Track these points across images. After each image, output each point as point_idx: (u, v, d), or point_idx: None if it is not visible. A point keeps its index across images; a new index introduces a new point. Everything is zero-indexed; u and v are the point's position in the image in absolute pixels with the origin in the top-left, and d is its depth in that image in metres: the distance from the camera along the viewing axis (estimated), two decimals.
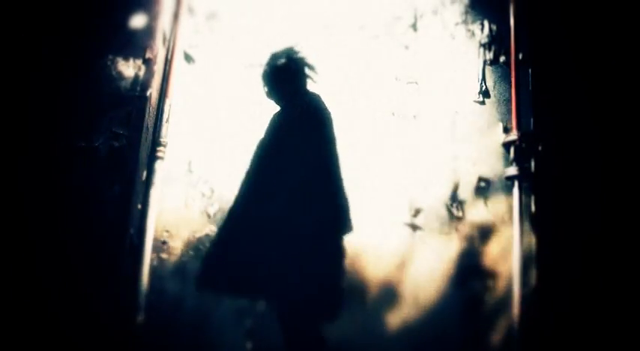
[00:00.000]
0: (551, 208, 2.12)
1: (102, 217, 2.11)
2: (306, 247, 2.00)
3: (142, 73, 2.29)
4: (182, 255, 2.34)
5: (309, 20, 2.64)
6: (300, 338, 1.99)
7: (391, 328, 2.23)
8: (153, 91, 2.31)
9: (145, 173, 2.30)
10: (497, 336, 2.18)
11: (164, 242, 2.34)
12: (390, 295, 2.27)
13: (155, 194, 2.30)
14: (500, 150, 2.38)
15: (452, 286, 2.25)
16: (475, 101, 2.47)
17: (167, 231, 2.36)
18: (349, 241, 2.18)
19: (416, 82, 2.53)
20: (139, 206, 2.26)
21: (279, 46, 2.35)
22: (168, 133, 2.38)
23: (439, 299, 2.24)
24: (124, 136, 2.20)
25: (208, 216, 2.40)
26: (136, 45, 2.32)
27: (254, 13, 2.66)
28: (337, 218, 2.10)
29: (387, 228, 2.35)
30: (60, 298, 2.02)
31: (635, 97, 2.15)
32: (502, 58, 2.50)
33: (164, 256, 2.33)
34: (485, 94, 2.48)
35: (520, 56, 2.39)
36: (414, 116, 2.48)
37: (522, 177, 2.21)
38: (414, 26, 2.61)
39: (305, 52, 2.31)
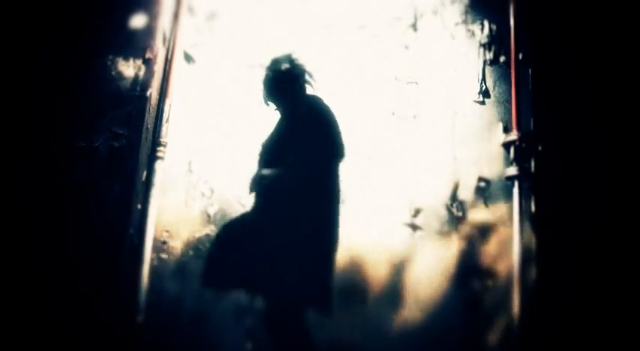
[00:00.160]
0: (551, 208, 2.12)
1: (102, 217, 2.11)
2: (300, 245, 2.01)
3: (142, 73, 2.29)
4: (182, 255, 2.34)
5: (309, 20, 2.64)
6: (291, 337, 1.99)
7: (391, 328, 2.23)
8: (153, 91, 2.31)
9: (145, 173, 2.30)
10: (497, 336, 2.18)
11: (164, 242, 2.34)
12: (390, 295, 2.27)
13: (155, 194, 2.30)
14: (500, 150, 2.38)
15: (452, 286, 2.25)
16: (475, 101, 2.47)
17: (167, 231, 2.36)
18: (349, 241, 2.18)
19: (416, 82, 2.53)
20: (139, 206, 2.26)
21: (278, 51, 2.35)
22: (168, 133, 2.38)
23: (439, 299, 2.24)
24: (124, 136, 2.20)
25: (208, 216, 2.40)
26: (136, 45, 2.32)
27: (254, 13, 2.67)
28: (331, 219, 2.11)
29: (387, 228, 2.35)
30: (60, 298, 2.02)
31: (635, 97, 2.15)
32: (502, 58, 2.50)
33: (164, 256, 2.33)
34: (485, 94, 2.48)
35: (520, 56, 2.39)
36: (414, 116, 2.48)
37: (522, 177, 2.21)
38: (414, 26, 2.61)
39: (303, 58, 2.31)
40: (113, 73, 2.28)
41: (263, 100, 2.32)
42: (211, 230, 2.38)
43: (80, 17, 2.32)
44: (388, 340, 2.22)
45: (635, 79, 2.16)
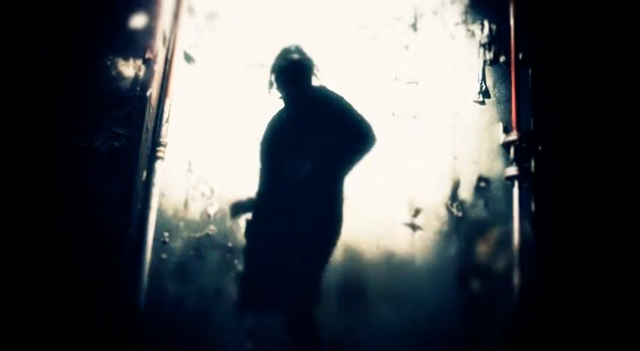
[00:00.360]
0: (551, 208, 2.12)
1: (102, 217, 2.11)
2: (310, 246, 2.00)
3: (142, 73, 2.29)
4: (182, 255, 2.34)
5: (309, 20, 2.64)
6: (308, 334, 1.99)
7: (391, 328, 2.23)
8: (153, 91, 2.31)
9: (144, 173, 2.30)
10: (497, 336, 2.18)
11: (164, 242, 2.34)
12: (390, 294, 2.27)
13: (155, 194, 2.30)
14: (500, 150, 2.38)
15: (452, 286, 2.25)
16: (475, 101, 2.47)
17: (167, 231, 2.36)
18: (349, 240, 2.18)
19: (416, 82, 2.53)
20: (139, 206, 2.26)
21: (284, 44, 2.35)
22: (168, 133, 2.38)
23: (439, 299, 2.24)
24: (124, 136, 2.20)
25: (208, 216, 2.40)
26: (136, 45, 2.32)
27: (254, 13, 2.66)
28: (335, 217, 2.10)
29: (387, 228, 2.35)
30: (60, 298, 2.02)
31: (635, 98, 2.15)
32: (502, 58, 2.50)
33: (164, 256, 2.33)
34: (485, 94, 2.48)
35: (520, 56, 2.39)
36: (414, 116, 2.48)
37: (522, 177, 2.21)
38: (414, 26, 2.61)
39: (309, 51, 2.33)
40: (113, 73, 2.28)
41: (268, 87, 2.31)
42: (211, 230, 2.38)
43: (80, 17, 2.32)
44: (388, 340, 2.22)
45: (635, 80, 2.16)
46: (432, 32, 2.59)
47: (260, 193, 2.22)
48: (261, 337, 2.24)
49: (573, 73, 2.23)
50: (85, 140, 2.18)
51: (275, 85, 2.30)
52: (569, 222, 2.08)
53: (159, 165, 2.33)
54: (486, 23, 2.56)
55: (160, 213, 2.33)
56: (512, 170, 2.23)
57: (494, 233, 2.29)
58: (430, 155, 2.43)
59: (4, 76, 2.23)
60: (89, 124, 2.20)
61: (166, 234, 2.35)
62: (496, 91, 2.48)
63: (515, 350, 2.09)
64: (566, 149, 2.15)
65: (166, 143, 2.37)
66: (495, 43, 2.53)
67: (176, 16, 2.48)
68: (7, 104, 2.21)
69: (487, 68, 2.51)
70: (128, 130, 2.21)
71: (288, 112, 2.28)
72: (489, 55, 2.52)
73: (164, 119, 2.37)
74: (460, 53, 2.55)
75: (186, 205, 2.40)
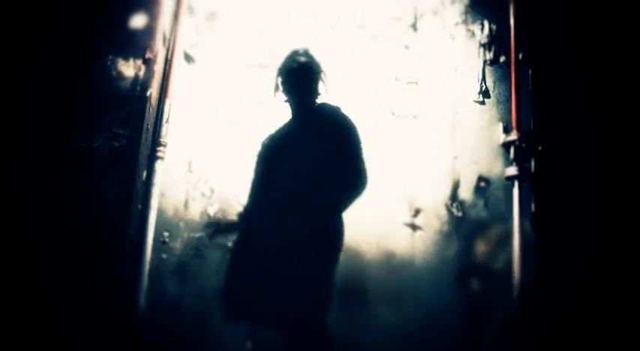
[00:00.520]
0: (551, 208, 2.12)
1: (102, 217, 2.11)
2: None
3: (142, 73, 2.29)
4: (182, 255, 2.34)
5: (310, 20, 2.64)
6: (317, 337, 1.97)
7: (391, 328, 2.23)
8: (153, 91, 2.31)
9: (144, 173, 2.30)
10: (497, 336, 2.18)
11: (164, 242, 2.34)
12: (390, 295, 2.27)
13: (155, 194, 2.30)
14: (500, 150, 2.38)
15: (452, 286, 2.25)
16: (475, 101, 2.47)
17: (167, 231, 2.36)
18: (349, 241, 2.18)
19: (416, 82, 2.53)
20: (139, 206, 2.26)
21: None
22: (168, 133, 2.38)
23: (439, 299, 2.24)
24: (124, 136, 2.20)
25: (208, 216, 2.40)
26: (136, 45, 2.32)
27: (254, 13, 2.66)
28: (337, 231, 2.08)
29: (387, 228, 2.35)
30: (60, 298, 2.02)
31: (635, 98, 2.15)
32: (502, 58, 2.50)
33: (164, 256, 2.33)
34: (485, 94, 2.48)
35: (520, 56, 2.39)
36: (414, 116, 2.48)
37: (522, 177, 2.21)
38: (414, 26, 2.61)
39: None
40: (113, 73, 2.28)
41: (274, 90, 2.25)
42: (211, 230, 2.37)
43: (80, 17, 2.32)
44: (388, 340, 2.21)
45: (635, 80, 2.16)
46: (432, 32, 2.59)
47: (253, 206, 2.18)
48: (261, 337, 2.24)
49: (573, 73, 2.23)
50: (85, 140, 2.18)
51: (281, 89, 2.24)
52: (569, 222, 2.08)
53: (159, 165, 2.33)
54: (486, 23, 2.56)
55: (160, 213, 2.33)
56: (512, 170, 2.24)
57: (494, 233, 2.29)
58: (430, 155, 2.42)
59: (5, 76, 2.23)
60: (89, 124, 2.20)
61: (166, 234, 2.35)
62: (496, 91, 2.48)
63: (515, 350, 2.09)
64: (566, 149, 2.16)
65: (166, 143, 2.37)
66: (495, 43, 2.53)
67: (176, 16, 2.48)
68: (7, 104, 2.21)
69: (487, 68, 2.51)
70: (128, 130, 2.21)
71: (294, 122, 2.23)
72: (489, 55, 2.52)
73: (164, 119, 2.37)
74: (460, 53, 2.55)
75: (186, 205, 2.40)
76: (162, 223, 2.34)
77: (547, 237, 2.10)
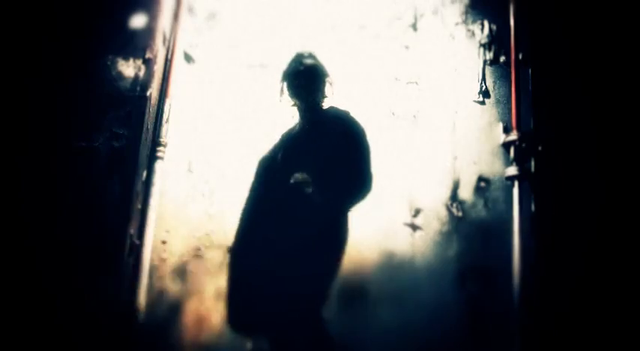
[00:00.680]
0: (551, 208, 2.12)
1: (102, 217, 2.11)
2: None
3: (142, 73, 2.29)
4: (182, 255, 2.34)
5: (309, 20, 2.64)
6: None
7: (391, 329, 2.23)
8: (153, 91, 2.31)
9: (145, 173, 2.30)
10: (497, 336, 2.18)
11: (164, 242, 2.34)
12: (389, 295, 2.27)
13: (155, 194, 2.30)
14: (500, 150, 2.38)
15: (452, 286, 2.25)
16: (475, 101, 2.47)
17: (167, 231, 2.36)
18: (349, 241, 2.18)
19: (416, 82, 2.53)
20: (139, 206, 2.26)
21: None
22: (168, 133, 2.38)
23: (439, 299, 2.24)
24: (124, 136, 2.20)
25: (208, 216, 2.40)
26: (136, 45, 2.32)
27: (254, 13, 2.66)
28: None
29: (387, 228, 2.35)
30: (60, 298, 2.02)
31: (634, 98, 2.15)
32: (502, 58, 2.50)
33: (164, 256, 2.33)
34: (485, 94, 2.48)
35: (520, 56, 2.39)
36: (414, 116, 2.48)
37: (522, 177, 2.21)
38: (414, 26, 2.61)
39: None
40: (113, 73, 2.28)
41: (279, 94, 2.23)
42: (211, 230, 2.38)
43: (80, 17, 2.32)
44: (388, 340, 2.21)
45: (635, 80, 2.16)
46: (432, 32, 2.59)
47: (255, 207, 2.17)
48: (262, 337, 2.24)
49: (573, 73, 2.23)
50: (85, 140, 2.18)
51: (286, 93, 2.22)
52: (569, 222, 2.08)
53: (159, 165, 2.33)
54: (486, 23, 2.56)
55: (160, 213, 2.33)
56: (512, 170, 2.24)
57: (494, 233, 2.29)
58: (430, 155, 2.42)
59: (4, 76, 2.24)
60: (89, 124, 2.20)
61: (166, 234, 2.35)
62: (496, 91, 2.48)
63: (515, 350, 2.09)
64: (566, 149, 2.16)
65: (166, 143, 2.37)
66: (495, 43, 2.53)
67: (176, 16, 2.49)
68: (7, 104, 2.21)
69: (487, 68, 2.51)
70: (128, 130, 2.21)
71: (301, 125, 2.21)
72: (489, 55, 2.52)
73: (164, 119, 2.37)
74: (460, 53, 2.55)
75: (186, 205, 2.40)
76: (162, 223, 2.34)
77: (547, 237, 2.10)
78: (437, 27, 2.60)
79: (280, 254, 1.97)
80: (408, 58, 2.57)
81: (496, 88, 2.48)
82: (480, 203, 2.35)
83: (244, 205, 2.18)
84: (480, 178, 2.38)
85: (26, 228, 2.08)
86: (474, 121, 2.45)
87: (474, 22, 2.58)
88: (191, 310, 2.28)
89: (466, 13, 2.60)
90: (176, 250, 2.34)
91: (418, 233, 2.34)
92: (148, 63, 2.30)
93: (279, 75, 2.34)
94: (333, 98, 2.23)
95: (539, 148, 2.20)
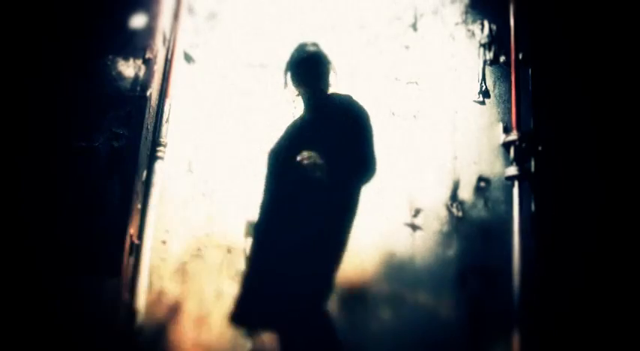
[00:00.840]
0: (551, 208, 2.12)
1: (102, 217, 2.11)
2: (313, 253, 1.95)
3: (142, 73, 2.29)
4: (182, 255, 2.34)
5: (310, 20, 2.64)
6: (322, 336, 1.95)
7: (391, 329, 2.23)
8: (153, 91, 2.31)
9: (144, 173, 2.30)
10: (497, 336, 2.18)
11: (164, 242, 2.34)
12: (389, 295, 2.27)
13: (155, 194, 2.30)
14: (500, 150, 2.38)
15: (452, 287, 2.25)
16: (475, 101, 2.47)
17: (167, 231, 2.36)
18: (349, 241, 2.18)
19: (416, 82, 2.53)
20: (139, 206, 2.26)
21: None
22: (168, 133, 2.38)
23: (439, 299, 2.24)
24: (124, 136, 2.20)
25: (208, 216, 2.40)
26: (136, 45, 2.32)
27: (254, 13, 2.66)
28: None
29: (387, 228, 2.35)
30: (60, 298, 2.02)
31: (634, 98, 2.15)
32: (502, 58, 2.50)
33: (164, 256, 2.33)
34: (485, 94, 2.48)
35: (520, 56, 2.39)
36: (414, 116, 2.48)
37: (522, 177, 2.21)
38: (414, 26, 2.61)
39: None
40: (113, 73, 2.28)
41: (283, 86, 2.21)
42: (211, 230, 2.38)
43: (80, 17, 2.32)
44: (387, 340, 2.22)
45: (635, 80, 2.16)
46: (432, 32, 2.59)
47: (270, 198, 2.14)
48: (262, 337, 2.24)
49: (573, 73, 2.23)
50: (85, 140, 2.19)
51: (291, 84, 2.20)
52: (569, 222, 2.08)
53: (159, 165, 2.33)
54: (486, 23, 2.56)
55: (160, 213, 2.33)
56: (512, 170, 2.24)
57: (494, 233, 2.29)
58: (430, 155, 2.42)
59: (4, 76, 2.24)
60: (89, 124, 2.21)
61: (166, 234, 2.35)
62: (496, 91, 2.48)
63: (515, 350, 2.09)
64: (566, 149, 2.16)
65: (166, 143, 2.37)
66: (495, 43, 2.53)
67: (176, 16, 2.49)
68: (7, 104, 2.21)
69: (487, 68, 2.51)
70: (128, 130, 2.21)
71: (307, 114, 2.19)
72: (489, 55, 2.52)
73: (164, 119, 2.37)
74: (460, 53, 2.55)
75: (186, 205, 2.40)
76: (162, 223, 2.34)
77: (547, 236, 2.10)
78: (437, 27, 2.60)
79: (291, 245, 1.95)
80: (408, 58, 2.57)
81: (496, 88, 2.48)
82: (480, 203, 2.35)
83: (260, 200, 2.16)
84: (480, 178, 2.38)
85: (26, 228, 2.08)
86: (473, 121, 2.45)
87: (474, 22, 2.58)
88: (191, 310, 2.28)
89: (466, 13, 2.60)
90: (176, 250, 2.34)
91: (418, 233, 2.34)
92: (148, 63, 2.31)
93: (280, 72, 2.33)
94: (337, 87, 2.22)
95: (539, 148, 2.20)
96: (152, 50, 2.32)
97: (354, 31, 2.63)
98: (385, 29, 2.62)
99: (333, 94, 2.18)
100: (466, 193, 2.37)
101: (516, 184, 2.22)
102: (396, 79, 2.54)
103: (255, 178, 2.41)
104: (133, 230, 2.19)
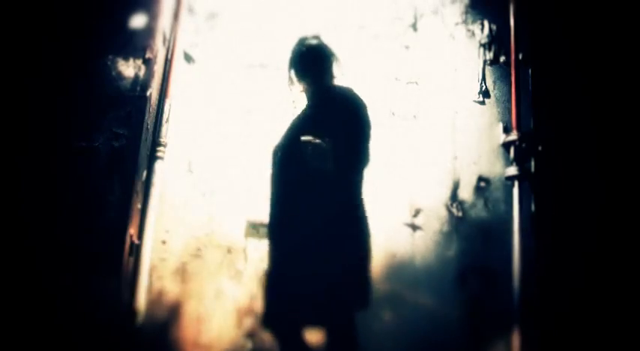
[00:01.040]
0: (551, 208, 2.12)
1: (102, 217, 2.11)
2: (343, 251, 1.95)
3: (142, 73, 2.29)
4: (182, 255, 2.34)
5: (310, 20, 2.64)
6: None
7: (390, 329, 2.23)
8: (153, 91, 2.31)
9: (144, 173, 2.30)
10: (497, 336, 2.18)
11: (164, 242, 2.34)
12: (389, 295, 2.27)
13: (155, 194, 2.31)
14: (500, 150, 2.38)
15: (452, 286, 2.25)
16: (475, 101, 2.47)
17: (167, 231, 2.36)
18: None
19: (416, 82, 2.53)
20: (139, 206, 2.26)
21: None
22: (168, 133, 2.38)
23: (439, 299, 2.24)
24: (124, 136, 2.20)
25: (208, 216, 2.40)
26: (136, 45, 2.32)
27: (254, 13, 2.66)
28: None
29: (387, 228, 2.35)
30: (60, 298, 2.02)
31: (634, 98, 2.15)
32: (502, 58, 2.50)
33: (164, 256, 2.33)
34: (485, 94, 2.48)
35: (520, 56, 2.39)
36: (414, 116, 2.48)
37: (522, 177, 2.21)
38: (414, 26, 2.61)
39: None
40: (113, 73, 2.28)
41: (289, 84, 2.20)
42: (211, 230, 2.38)
43: (80, 17, 2.32)
44: (387, 340, 2.22)
45: (635, 80, 2.16)
46: (432, 32, 2.59)
47: (280, 195, 2.13)
48: (261, 337, 2.24)
49: (573, 73, 2.23)
50: (85, 140, 2.19)
51: (295, 79, 2.19)
52: (569, 222, 2.09)
53: (159, 165, 2.33)
54: (486, 23, 2.56)
55: (160, 213, 2.33)
56: (512, 170, 2.24)
57: (494, 233, 2.29)
58: (430, 155, 2.43)
59: (4, 76, 2.24)
60: (89, 124, 2.21)
61: (166, 234, 2.35)
62: (496, 91, 2.48)
63: (515, 350, 2.09)
64: (566, 149, 2.16)
65: (166, 143, 2.37)
66: (495, 43, 2.53)
67: (176, 16, 2.49)
68: (7, 104, 2.21)
69: (487, 68, 2.51)
70: (128, 130, 2.21)
71: (311, 108, 2.18)
72: (489, 55, 2.52)
73: (164, 119, 2.37)
74: (460, 53, 2.55)
75: (186, 205, 2.40)
76: (163, 223, 2.34)
77: (547, 236, 2.10)
78: (437, 27, 2.60)
79: (315, 242, 1.95)
80: (408, 58, 2.57)
81: (496, 88, 2.48)
82: (480, 203, 2.35)
83: (270, 199, 2.16)
84: (480, 178, 2.38)
85: (26, 228, 2.08)
86: (473, 121, 2.45)
87: (473, 22, 2.58)
88: (191, 310, 2.28)
89: (466, 13, 2.60)
90: (176, 250, 2.35)
91: (418, 233, 2.34)
92: (148, 63, 2.31)
93: (280, 72, 2.33)
94: (342, 78, 2.22)
95: (539, 148, 2.20)
96: (152, 50, 2.32)
97: (354, 31, 2.63)
98: (385, 29, 2.62)
99: (334, 86, 2.18)
100: (466, 193, 2.37)
101: (516, 184, 2.22)
102: (396, 79, 2.54)
103: (255, 178, 2.41)
104: (133, 230, 2.19)
